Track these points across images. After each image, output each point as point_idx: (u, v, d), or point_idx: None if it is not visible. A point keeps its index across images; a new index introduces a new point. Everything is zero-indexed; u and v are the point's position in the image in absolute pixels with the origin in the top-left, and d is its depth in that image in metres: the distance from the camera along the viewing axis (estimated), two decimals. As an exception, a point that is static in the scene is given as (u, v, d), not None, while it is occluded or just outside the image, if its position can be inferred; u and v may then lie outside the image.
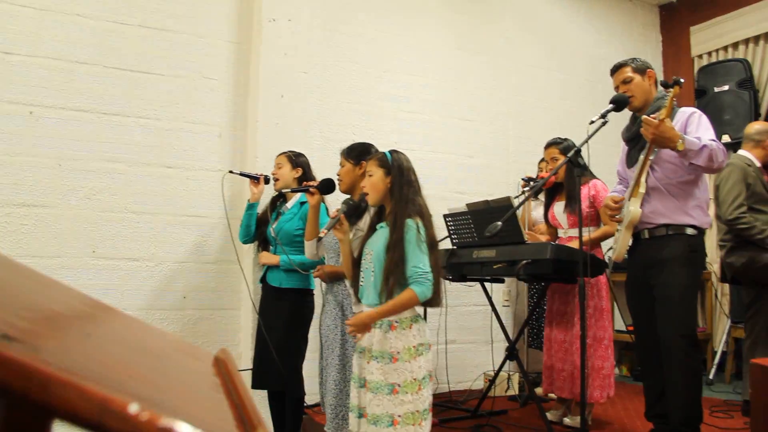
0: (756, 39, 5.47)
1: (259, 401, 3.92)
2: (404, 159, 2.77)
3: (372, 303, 2.66)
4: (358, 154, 3.24)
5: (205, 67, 4.19)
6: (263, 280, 3.70)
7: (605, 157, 4.44)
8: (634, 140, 3.32)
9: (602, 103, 5.47)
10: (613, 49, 5.89)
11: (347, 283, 3.08)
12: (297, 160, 3.77)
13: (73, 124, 3.83)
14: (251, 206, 3.78)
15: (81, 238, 3.81)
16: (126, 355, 0.85)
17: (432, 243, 2.68)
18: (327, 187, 3.27)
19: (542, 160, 4.77)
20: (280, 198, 3.82)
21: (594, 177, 3.92)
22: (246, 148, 4.24)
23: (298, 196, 3.73)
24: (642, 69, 3.29)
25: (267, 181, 3.78)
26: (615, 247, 3.36)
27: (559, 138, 3.98)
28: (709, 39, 5.80)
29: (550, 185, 3.93)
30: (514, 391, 4.71)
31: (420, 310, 2.78)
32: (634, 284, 3.34)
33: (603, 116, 3.12)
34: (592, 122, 3.13)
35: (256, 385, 3.70)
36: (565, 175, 3.86)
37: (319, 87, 4.44)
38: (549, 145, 3.98)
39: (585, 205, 3.77)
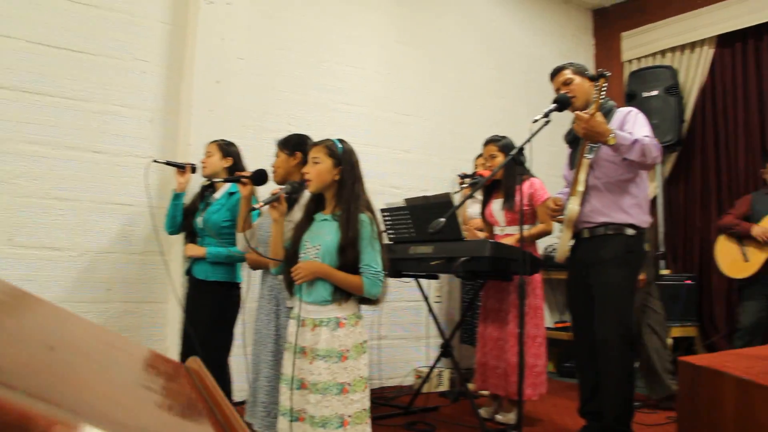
0: (682, 48, 5.68)
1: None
2: (354, 151, 2.71)
3: (315, 300, 2.58)
4: (293, 144, 3.16)
5: (137, 48, 3.99)
6: (189, 272, 3.56)
7: (548, 156, 4.51)
8: (574, 142, 3.37)
9: (537, 102, 5.63)
10: (547, 50, 5.99)
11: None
12: (228, 149, 3.64)
13: (-14, 101, 3.58)
14: (177, 196, 3.63)
15: (-3, 225, 3.57)
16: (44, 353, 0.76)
17: (381, 241, 2.64)
18: (260, 177, 3.17)
19: (479, 156, 4.80)
20: (209, 188, 3.69)
21: (532, 175, 3.96)
22: (178, 135, 4.07)
23: (227, 187, 3.60)
24: (581, 71, 3.34)
25: (194, 170, 3.64)
26: (557, 247, 3.40)
27: (497, 135, 4.01)
28: (638, 45, 5.98)
29: (488, 182, 3.94)
30: (445, 387, 4.72)
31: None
32: (573, 283, 3.39)
33: (546, 115, 3.14)
34: (535, 121, 3.16)
35: None
36: (504, 173, 3.89)
37: (256, 74, 4.31)
38: (488, 142, 4.00)
39: (522, 202, 3.81)
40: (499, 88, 5.68)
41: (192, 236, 3.65)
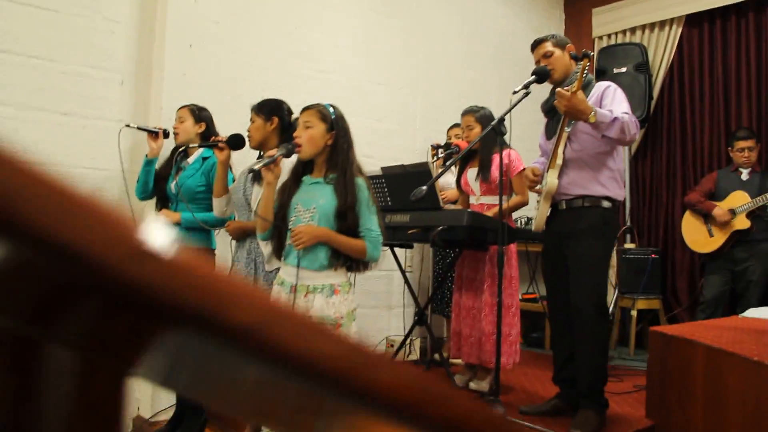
0: (652, 26, 5.75)
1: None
2: (344, 117, 2.69)
3: (311, 265, 2.55)
4: (270, 110, 3.14)
5: (106, 6, 3.85)
6: None
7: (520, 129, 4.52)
8: (551, 112, 3.39)
9: (507, 75, 5.66)
10: (519, 23, 6.00)
11: (259, 240, 2.96)
12: (200, 114, 3.57)
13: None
14: (149, 162, 3.54)
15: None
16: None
17: (377, 205, 2.63)
18: (236, 142, 3.15)
19: (452, 127, 4.80)
20: (180, 152, 3.62)
21: (508, 146, 3.98)
22: (149, 99, 3.96)
23: (200, 151, 3.54)
24: (562, 44, 3.36)
25: (167, 135, 3.55)
26: (534, 217, 3.44)
27: (475, 106, 4.01)
28: (609, 21, 6.02)
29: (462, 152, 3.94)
30: (415, 356, 4.76)
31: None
32: (549, 254, 3.43)
33: (526, 87, 3.17)
34: (515, 92, 3.18)
35: None
36: (480, 144, 3.90)
37: (230, 39, 4.20)
38: (466, 113, 4.00)
39: (497, 173, 3.83)
40: (471, 60, 5.67)
41: (163, 202, 3.58)
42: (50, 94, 3.67)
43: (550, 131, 3.41)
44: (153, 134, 3.51)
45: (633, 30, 5.85)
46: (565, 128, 3.24)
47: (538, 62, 3.38)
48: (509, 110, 3.17)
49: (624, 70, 5.43)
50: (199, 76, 3.98)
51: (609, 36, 6.00)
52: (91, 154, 3.79)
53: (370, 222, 2.55)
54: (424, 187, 2.95)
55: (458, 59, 5.56)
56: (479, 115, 3.94)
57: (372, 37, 5.02)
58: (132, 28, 3.94)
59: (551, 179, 3.26)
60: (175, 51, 3.90)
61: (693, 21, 5.57)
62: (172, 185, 3.49)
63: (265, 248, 2.94)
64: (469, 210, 3.55)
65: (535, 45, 3.43)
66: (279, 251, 2.67)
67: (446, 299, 4.49)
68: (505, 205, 3.81)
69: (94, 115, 3.81)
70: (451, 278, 4.57)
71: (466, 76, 5.58)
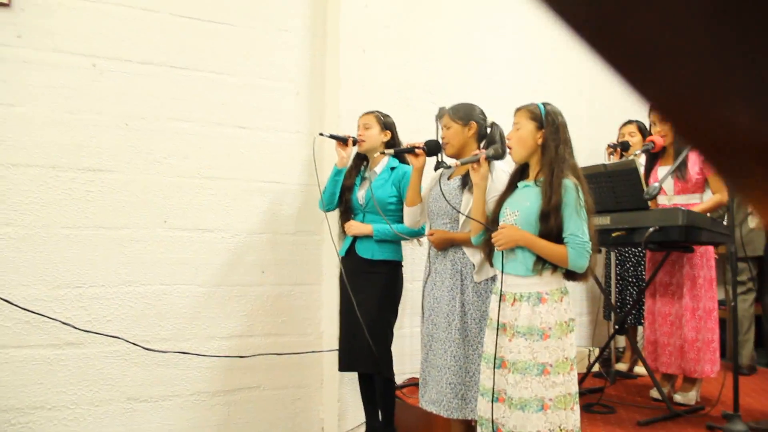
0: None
1: (347, 383, 3.63)
2: (559, 113, 2.50)
3: (516, 271, 2.40)
4: (466, 114, 2.95)
5: (279, 18, 3.79)
6: (349, 251, 3.38)
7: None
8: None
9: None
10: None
11: (465, 249, 2.79)
12: (385, 121, 3.45)
13: (140, 79, 3.41)
14: (339, 172, 3.43)
15: (151, 207, 3.41)
16: None
17: (590, 210, 2.43)
18: (434, 149, 2.99)
19: (625, 124, 4.52)
20: (363, 161, 3.50)
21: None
22: (325, 108, 3.87)
23: (386, 161, 3.42)
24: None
25: (354, 143, 3.43)
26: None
27: (666, 99, 3.73)
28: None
29: (658, 149, 3.67)
30: (594, 368, 4.49)
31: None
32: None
33: None
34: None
35: (344, 368, 3.40)
36: (674, 138, 3.62)
37: (401, 43, 4.07)
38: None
39: (695, 171, 3.55)
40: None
41: (347, 214, 3.47)
42: (229, 108, 3.64)
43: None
44: (343, 142, 3.40)
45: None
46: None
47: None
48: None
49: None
50: (374, 82, 3.86)
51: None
52: (269, 168, 3.73)
53: (577, 227, 2.34)
54: (657, 184, 2.71)
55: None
56: (673, 107, 3.66)
57: (533, 33, 4.80)
58: (304, 37, 3.86)
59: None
60: (349, 57, 3.79)
61: None
62: (360, 195, 3.37)
63: (474, 257, 2.77)
64: (683, 208, 3.27)
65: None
66: (489, 256, 2.56)
67: (628, 306, 4.22)
68: (703, 206, 3.55)
69: (271, 127, 3.75)
70: (633, 283, 4.30)
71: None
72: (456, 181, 2.88)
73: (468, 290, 2.77)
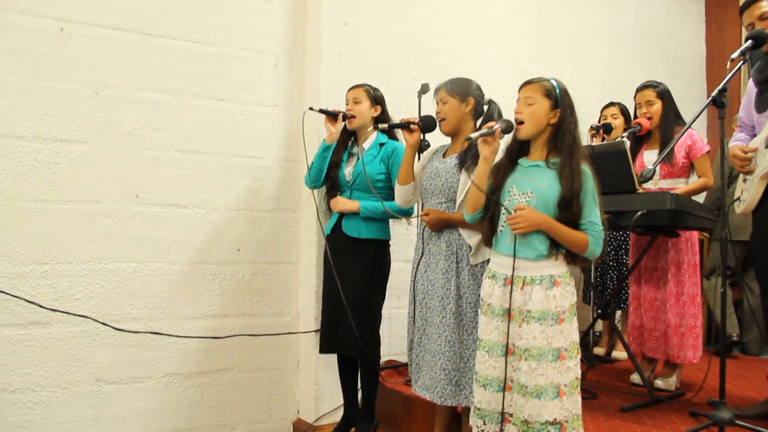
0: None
1: (324, 365, 3.54)
2: (569, 93, 2.40)
3: (526, 254, 2.28)
4: (463, 89, 2.81)
5: (258, -15, 3.63)
6: (334, 229, 3.26)
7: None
8: (768, 83, 3.03)
9: (651, 50, 5.27)
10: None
11: (461, 231, 2.68)
12: (375, 95, 3.32)
13: (112, 46, 3.24)
14: (328, 148, 3.30)
15: (122, 181, 3.26)
16: None
17: (600, 196, 2.35)
18: (429, 124, 2.87)
19: (607, 106, 4.46)
20: (351, 137, 3.38)
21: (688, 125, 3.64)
22: (304, 81, 3.74)
23: (374, 137, 3.30)
24: (782, 2, 2.99)
25: (345, 118, 3.30)
26: (743, 198, 3.10)
27: (654, 81, 3.66)
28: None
29: (644, 132, 3.61)
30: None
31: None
32: (765, 239, 3.09)
33: (743, 53, 2.82)
34: (732, 60, 2.84)
35: (326, 350, 3.29)
36: (660, 120, 3.57)
37: (383, 16, 3.93)
38: (644, 87, 3.65)
39: (681, 155, 3.50)
40: (613, 35, 5.27)
41: (333, 191, 3.36)
42: (206, 80, 3.48)
43: (764, 103, 3.05)
44: (332, 117, 3.26)
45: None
46: (792, 99, 2.88)
47: (750, 25, 3.03)
48: (727, 80, 2.82)
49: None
50: (355, 55, 3.73)
51: (759, 3, 5.53)
52: (247, 142, 3.59)
53: (595, 214, 2.27)
54: (652, 167, 2.64)
55: (599, 34, 5.18)
56: (660, 89, 3.59)
57: (519, 12, 4.69)
58: (284, 7, 3.71)
59: (778, 157, 2.91)
60: (330, 29, 3.65)
61: None
62: (347, 172, 3.25)
63: (471, 238, 2.66)
64: (671, 192, 3.22)
65: (747, 5, 3.07)
66: (490, 237, 2.42)
67: (608, 290, 4.18)
68: (687, 188, 3.51)
69: (250, 100, 3.61)
70: (614, 268, 4.26)
71: (608, 53, 5.20)
72: (452, 160, 2.75)
73: (464, 273, 2.66)
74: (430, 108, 3.29)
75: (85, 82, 3.17)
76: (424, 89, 3.85)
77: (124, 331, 3.21)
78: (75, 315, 3.10)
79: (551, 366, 2.21)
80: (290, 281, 3.70)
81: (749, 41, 2.89)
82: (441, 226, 2.72)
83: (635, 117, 3.70)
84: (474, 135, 2.35)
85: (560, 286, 2.28)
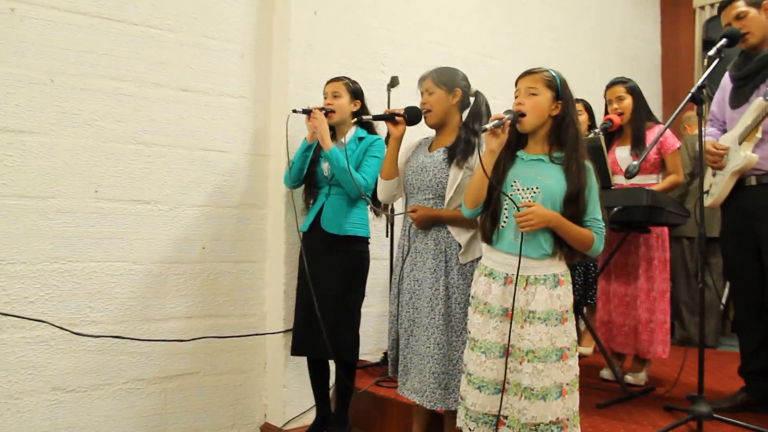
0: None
1: (292, 367, 3.42)
2: (568, 84, 2.34)
3: (530, 253, 2.21)
4: (451, 79, 2.71)
5: (225, -29, 3.47)
6: (312, 226, 3.14)
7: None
8: (745, 79, 3.06)
9: (609, 48, 5.33)
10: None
11: (450, 228, 2.60)
12: (355, 88, 3.22)
13: (68, 30, 3.02)
14: (309, 147, 3.16)
15: (80, 175, 3.05)
16: None
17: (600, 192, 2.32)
18: (415, 116, 2.75)
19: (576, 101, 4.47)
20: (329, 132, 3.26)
21: (658, 122, 3.67)
22: (271, 72, 3.59)
23: (353, 131, 3.20)
24: (757, 2, 3.02)
25: (326, 115, 3.15)
26: (713, 192, 3.13)
27: (624, 77, 3.68)
28: (712, -10, 5.70)
29: (615, 128, 3.62)
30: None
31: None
32: (733, 233, 3.12)
33: (719, 52, 2.84)
34: (708, 57, 2.86)
35: (300, 351, 3.17)
36: (631, 116, 3.58)
37: (353, 6, 3.82)
38: (614, 84, 3.67)
39: (652, 151, 3.52)
40: (573, 32, 5.30)
41: (310, 187, 3.25)
42: (170, 68, 3.30)
43: (739, 99, 3.08)
44: (310, 114, 3.11)
45: (740, -2, 5.52)
46: (765, 97, 2.92)
47: (728, 25, 3.06)
48: (705, 77, 2.84)
49: (735, 40, 5.11)
50: (326, 47, 3.60)
51: (712, 5, 5.67)
52: (211, 135, 3.42)
53: (598, 211, 2.24)
54: (637, 162, 2.62)
55: (563, 33, 5.20)
56: (630, 86, 3.61)
57: (487, 7, 4.65)
58: (251, -7, 3.55)
59: (749, 153, 2.94)
60: (299, 19, 3.51)
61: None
62: (325, 167, 3.14)
63: (460, 236, 2.58)
64: (647, 189, 3.23)
65: (724, 6, 3.11)
66: (490, 233, 2.31)
67: (576, 286, 4.19)
68: (660, 185, 3.54)
69: (215, 91, 3.44)
70: (581, 263, 4.27)
71: (570, 50, 5.22)
72: (440, 154, 2.65)
73: (453, 272, 2.56)
74: (399, 101, 3.22)
75: (40, 68, 2.94)
76: (394, 82, 3.77)
77: (83, 335, 3.00)
78: (29, 319, 2.88)
79: (555, 366, 2.16)
80: (257, 280, 3.55)
81: (724, 39, 2.92)
82: (429, 223, 2.62)
83: (606, 113, 3.71)
84: (488, 126, 2.24)
85: (564, 285, 2.23)
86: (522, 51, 4.84)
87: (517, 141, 2.36)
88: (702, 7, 5.78)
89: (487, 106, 2.70)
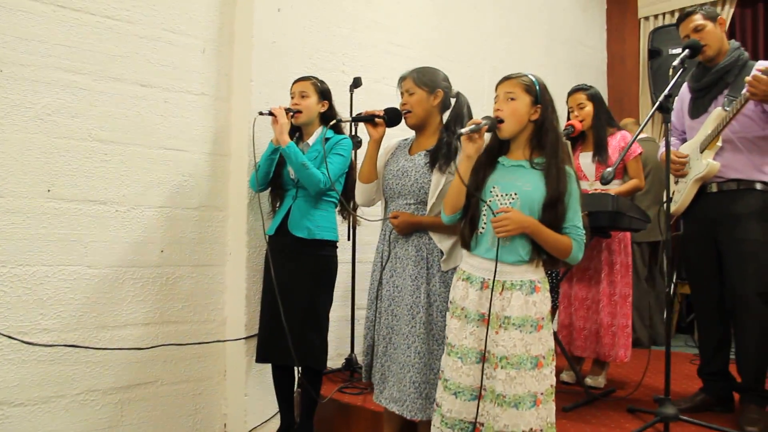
0: (702, 6, 5.62)
1: (253, 375, 3.31)
2: (547, 88, 2.34)
3: (507, 259, 2.19)
4: (432, 80, 2.65)
5: (187, -38, 3.32)
6: (279, 229, 3.05)
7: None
8: (703, 90, 3.16)
9: (559, 53, 5.42)
10: (562, 2, 5.75)
11: (432, 235, 2.55)
12: (323, 88, 3.14)
13: (19, 17, 2.83)
14: (276, 150, 3.06)
15: (31, 173, 2.86)
16: None
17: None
18: (395, 117, 2.68)
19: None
20: (295, 132, 3.17)
21: (620, 128, 3.75)
22: (233, 69, 3.47)
23: (319, 132, 3.12)
24: (713, 16, 3.14)
25: (292, 116, 3.06)
26: (676, 200, 3.22)
27: (584, 84, 3.74)
28: (656, 1, 5.85)
29: (576, 134, 3.67)
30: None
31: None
32: (695, 239, 3.20)
33: (683, 62, 2.93)
34: (674, 68, 2.94)
35: (265, 359, 3.08)
36: (592, 122, 3.64)
37: (318, 5, 3.73)
38: (575, 91, 3.71)
39: (615, 157, 3.59)
40: (527, 37, 5.36)
41: (276, 189, 3.15)
42: (126, 62, 3.13)
43: (698, 109, 3.18)
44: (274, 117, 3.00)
45: (682, 10, 5.69)
46: (725, 107, 3.01)
47: (686, 37, 3.15)
48: (672, 86, 2.91)
49: (679, 50, 5.28)
50: (289, 45, 3.51)
51: (656, 17, 5.84)
52: (170, 133, 3.28)
53: (578, 218, 2.21)
54: (612, 168, 2.65)
55: (517, 38, 5.23)
56: (591, 93, 3.67)
57: (445, 9, 4.64)
58: (213, -13, 3.42)
59: (711, 161, 3.03)
60: (262, 15, 3.41)
61: (746, 0, 5.46)
62: (291, 170, 3.04)
63: (442, 243, 2.54)
64: (612, 194, 3.28)
65: (683, 18, 3.21)
66: (469, 239, 2.29)
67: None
68: (620, 189, 3.61)
69: (175, 87, 3.29)
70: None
71: (522, 56, 5.27)
72: (421, 158, 2.59)
73: (434, 279, 2.50)
74: (361, 104, 3.16)
75: (-14, 57, 2.75)
76: (356, 83, 3.71)
77: (33, 344, 2.81)
78: (-26, 327, 2.68)
79: (529, 374, 2.13)
80: (216, 285, 3.42)
81: (686, 50, 3.01)
82: (411, 229, 2.56)
83: (568, 119, 3.75)
84: (464, 131, 2.22)
85: (540, 292, 2.21)
86: (478, 55, 4.86)
87: (499, 147, 2.35)
88: (646, 18, 5.95)
89: (469, 107, 2.66)
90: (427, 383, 2.45)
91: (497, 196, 2.24)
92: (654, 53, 5.43)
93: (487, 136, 2.36)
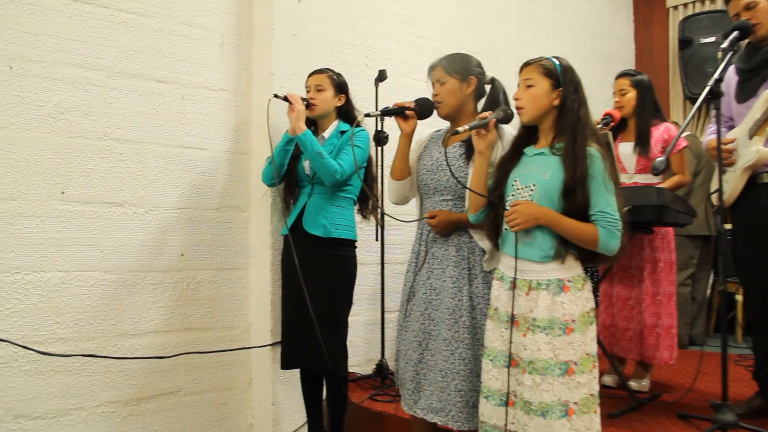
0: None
1: (281, 382, 3.15)
2: (573, 69, 2.17)
3: (531, 255, 2.05)
4: (462, 66, 2.47)
5: (203, -48, 3.18)
6: (294, 227, 2.90)
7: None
8: (752, 71, 2.96)
9: (588, 45, 5.26)
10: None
11: (473, 233, 2.39)
12: (339, 81, 3.00)
13: (29, 11, 2.70)
14: (291, 140, 2.91)
15: (44, 174, 2.72)
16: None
17: (616, 181, 2.12)
18: (426, 109, 2.50)
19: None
20: (311, 126, 3.01)
21: (665, 119, 3.55)
22: (252, 64, 3.32)
23: (335, 125, 2.98)
24: (767, -8, 2.94)
25: (308, 107, 2.92)
26: (725, 190, 3.02)
27: (631, 69, 3.57)
28: (686, -10, 5.68)
29: (616, 122, 3.48)
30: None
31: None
32: (747, 232, 3.00)
33: (731, 45, 2.74)
34: (723, 50, 2.75)
35: (289, 365, 2.93)
36: (635, 110, 3.46)
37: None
38: (621, 76, 3.54)
39: (657, 149, 3.40)
40: (554, 29, 5.20)
41: (291, 186, 3.00)
42: (144, 57, 3.00)
43: (746, 93, 2.98)
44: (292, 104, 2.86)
45: (713, -1, 5.52)
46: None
47: (736, 15, 2.95)
48: (723, 70, 2.72)
49: (712, 39, 5.10)
50: (310, 37, 3.36)
51: (685, 5, 5.65)
52: (189, 130, 3.13)
53: (606, 203, 2.02)
54: (663, 158, 2.47)
55: (542, 30, 5.08)
56: (636, 79, 3.47)
57: (466, 1, 4.49)
58: (231, -22, 3.28)
59: (760, 148, 2.84)
60: (282, 7, 3.26)
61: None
62: (306, 165, 2.90)
63: (484, 241, 2.35)
64: (658, 187, 3.09)
65: (733, -4, 3.01)
66: (495, 238, 2.20)
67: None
68: (665, 185, 3.41)
69: (193, 83, 3.15)
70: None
71: (550, 48, 5.10)
72: (456, 149, 2.42)
73: (477, 281, 2.33)
74: (385, 98, 3.00)
75: (-4, 53, 2.62)
76: (381, 76, 3.56)
77: (50, 354, 2.66)
78: (-12, 337, 2.54)
79: (558, 381, 1.96)
80: (240, 289, 3.26)
81: (735, 32, 2.81)
82: (451, 229, 2.39)
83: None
84: (461, 128, 2.11)
85: (569, 292, 2.02)
86: (502, 46, 4.70)
87: (527, 136, 2.20)
88: (675, 7, 5.75)
89: (505, 93, 2.49)
90: (474, 391, 2.26)
91: (518, 189, 2.12)
92: (685, 43, 5.24)
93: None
